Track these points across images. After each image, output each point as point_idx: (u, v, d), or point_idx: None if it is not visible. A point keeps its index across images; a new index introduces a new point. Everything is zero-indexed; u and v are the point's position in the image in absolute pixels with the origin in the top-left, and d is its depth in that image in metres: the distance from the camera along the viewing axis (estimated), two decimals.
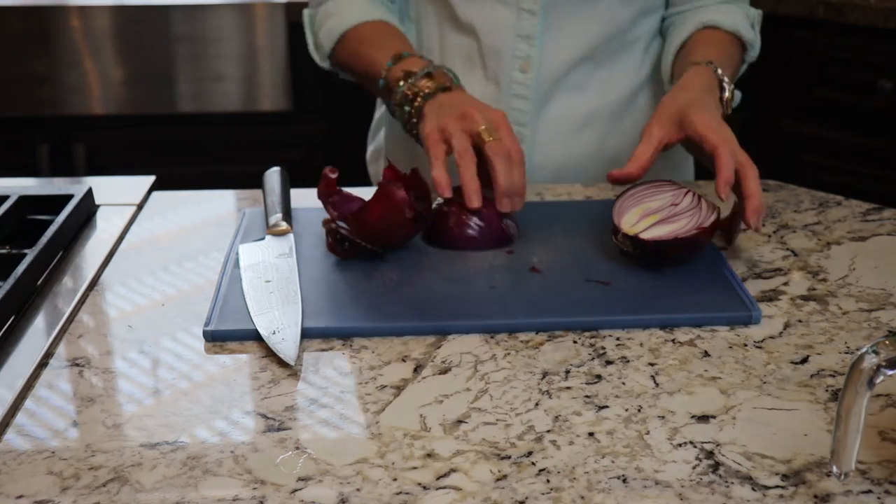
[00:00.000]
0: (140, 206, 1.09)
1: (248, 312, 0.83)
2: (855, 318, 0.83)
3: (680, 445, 0.67)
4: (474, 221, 0.95)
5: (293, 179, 1.11)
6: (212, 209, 1.11)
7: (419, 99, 1.03)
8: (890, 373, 0.56)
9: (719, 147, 0.91)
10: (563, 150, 1.19)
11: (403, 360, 0.78)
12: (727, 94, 1.01)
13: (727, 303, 0.84)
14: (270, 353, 0.79)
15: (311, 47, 1.20)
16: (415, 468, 0.65)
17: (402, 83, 1.04)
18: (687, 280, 0.87)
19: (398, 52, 1.08)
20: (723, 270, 0.89)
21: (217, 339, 0.81)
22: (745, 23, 1.14)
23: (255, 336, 0.80)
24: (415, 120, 1.03)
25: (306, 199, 1.10)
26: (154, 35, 2.10)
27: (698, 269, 0.89)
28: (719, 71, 1.02)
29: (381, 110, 1.33)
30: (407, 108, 1.03)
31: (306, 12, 1.21)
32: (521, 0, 1.13)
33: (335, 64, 1.19)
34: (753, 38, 1.14)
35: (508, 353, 0.78)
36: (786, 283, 0.89)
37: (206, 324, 0.82)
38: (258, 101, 2.19)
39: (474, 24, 1.15)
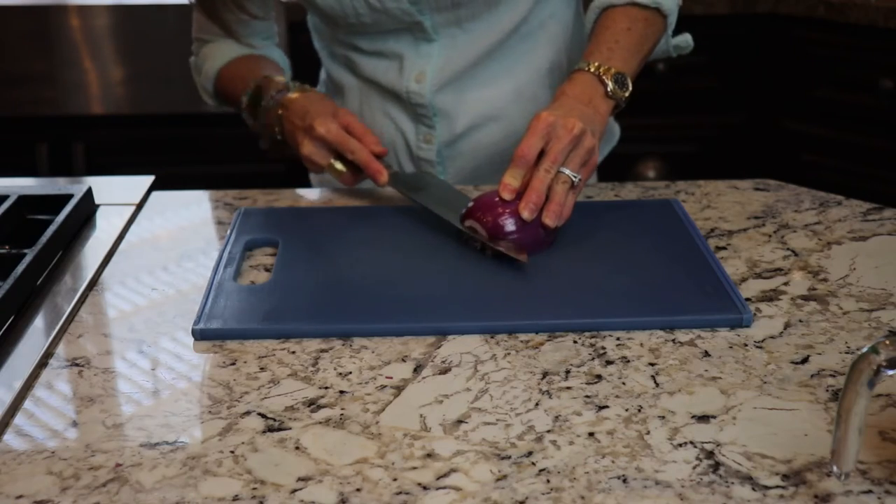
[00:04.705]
0: (139, 206, 1.09)
1: (238, 311, 0.83)
2: (855, 318, 0.83)
3: (680, 445, 0.67)
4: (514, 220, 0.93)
5: (293, 179, 1.10)
6: (211, 209, 1.10)
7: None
8: (890, 373, 0.56)
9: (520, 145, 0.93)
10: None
11: (403, 360, 0.78)
12: (610, 86, 1.00)
13: (718, 305, 0.83)
14: (270, 353, 0.79)
15: (200, 91, 1.27)
16: (415, 468, 0.65)
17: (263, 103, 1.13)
18: (678, 282, 0.87)
19: (256, 79, 1.15)
20: (715, 272, 0.89)
21: (206, 337, 0.81)
22: None
23: (243, 335, 0.81)
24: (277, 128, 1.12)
25: (307, 198, 1.10)
26: (154, 35, 2.10)
27: (690, 271, 0.89)
28: (601, 69, 1.01)
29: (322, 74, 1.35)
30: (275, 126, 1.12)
31: (191, 60, 1.28)
32: (414, 28, 1.14)
33: (221, 103, 1.26)
34: (669, 5, 1.09)
35: (508, 353, 0.78)
36: (786, 283, 0.89)
37: (196, 322, 0.82)
38: None
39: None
